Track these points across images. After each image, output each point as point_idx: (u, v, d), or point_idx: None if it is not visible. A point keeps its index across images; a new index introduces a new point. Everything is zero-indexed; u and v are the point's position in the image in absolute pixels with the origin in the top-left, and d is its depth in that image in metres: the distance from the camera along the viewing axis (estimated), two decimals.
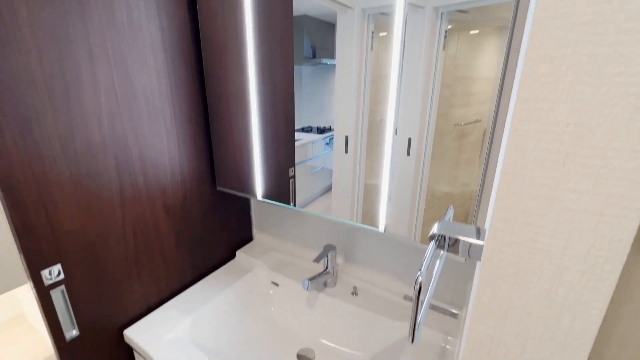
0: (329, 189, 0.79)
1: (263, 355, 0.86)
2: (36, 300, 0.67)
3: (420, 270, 0.28)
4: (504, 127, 0.55)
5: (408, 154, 0.66)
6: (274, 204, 0.92)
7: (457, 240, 0.29)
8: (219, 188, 0.99)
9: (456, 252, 0.30)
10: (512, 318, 0.24)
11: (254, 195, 0.90)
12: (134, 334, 0.80)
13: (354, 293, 0.92)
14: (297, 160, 0.82)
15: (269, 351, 0.87)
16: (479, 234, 0.30)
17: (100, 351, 0.79)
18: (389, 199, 0.70)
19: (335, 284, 0.95)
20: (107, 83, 0.69)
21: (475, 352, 0.26)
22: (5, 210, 0.60)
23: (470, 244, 0.28)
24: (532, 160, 0.22)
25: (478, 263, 0.29)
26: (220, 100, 0.87)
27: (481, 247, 0.28)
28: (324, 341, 0.89)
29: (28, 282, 1.44)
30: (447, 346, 0.75)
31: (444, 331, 0.77)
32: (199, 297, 0.93)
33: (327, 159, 0.78)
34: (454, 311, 0.82)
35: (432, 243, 0.31)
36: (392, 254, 0.89)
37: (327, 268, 0.92)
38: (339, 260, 1.00)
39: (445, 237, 0.30)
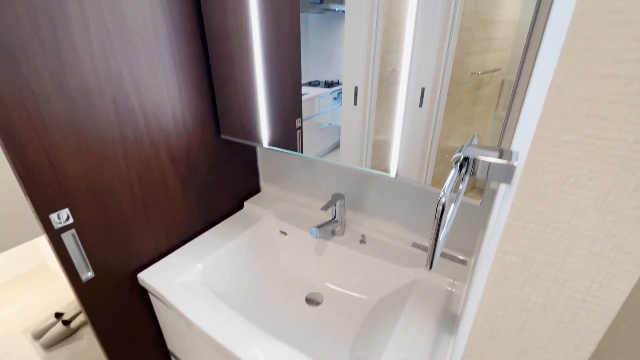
0: (337, 145, 0.76)
1: (273, 299, 0.89)
2: (49, 243, 0.68)
3: (442, 190, 0.26)
4: (529, 75, 0.50)
5: (420, 105, 0.61)
6: (281, 151, 0.89)
7: (486, 164, 0.26)
8: (223, 136, 0.96)
9: (484, 175, 0.27)
10: (553, 234, 0.21)
11: (260, 142, 0.87)
12: (147, 277, 0.83)
13: (362, 241, 0.92)
14: (304, 115, 0.78)
15: (279, 295, 0.90)
16: (507, 155, 0.26)
17: (117, 292, 0.82)
18: (401, 145, 0.66)
19: (343, 233, 0.96)
20: (96, 17, 0.63)
21: (504, 271, 0.24)
22: (5, 154, 0.59)
23: (499, 164, 0.25)
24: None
25: (504, 188, 0.26)
26: (220, 40, 0.80)
27: (510, 166, 0.25)
28: (332, 286, 0.91)
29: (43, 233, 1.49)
30: (453, 290, 0.75)
31: (451, 276, 0.77)
32: (209, 244, 0.94)
33: (335, 114, 0.74)
34: (462, 258, 0.82)
35: (455, 167, 0.28)
36: (401, 202, 0.88)
37: (335, 216, 0.92)
38: (348, 212, 1.00)
39: (469, 159, 0.27)
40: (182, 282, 0.81)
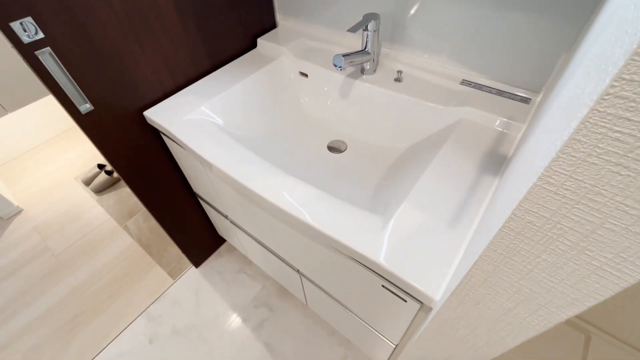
0: None
1: (291, 145, 0.81)
2: (26, 64, 0.59)
3: None
4: None
5: None
6: None
7: None
8: None
9: None
10: None
11: None
12: (153, 114, 0.75)
13: (398, 79, 0.75)
14: None
15: (297, 141, 0.82)
16: None
17: (125, 129, 0.77)
18: None
19: (375, 71, 0.78)
20: None
21: None
22: None
23: None
24: None
25: None
26: None
27: None
28: (358, 132, 0.80)
29: None
30: (507, 131, 0.61)
31: (506, 115, 0.62)
32: (219, 83, 0.82)
33: None
34: (525, 96, 0.65)
35: None
36: (462, 22, 0.65)
37: (365, 47, 0.73)
38: (383, 47, 0.79)
39: None
40: (190, 120, 0.73)
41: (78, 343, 1.10)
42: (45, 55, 0.59)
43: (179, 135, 0.70)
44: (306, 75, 0.87)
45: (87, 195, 1.60)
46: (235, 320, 1.12)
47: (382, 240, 0.48)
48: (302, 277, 0.84)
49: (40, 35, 0.57)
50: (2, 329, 1.16)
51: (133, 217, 1.47)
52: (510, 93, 0.66)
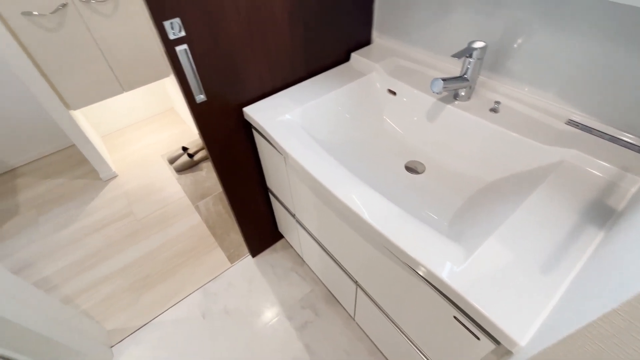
0: None
1: (369, 158, 0.83)
2: (166, 57, 0.69)
3: None
4: None
5: None
6: None
7: None
8: None
9: None
10: None
11: None
12: (251, 112, 0.83)
13: (494, 110, 0.73)
14: None
15: (376, 155, 0.83)
16: None
17: (226, 121, 0.86)
18: None
19: (469, 98, 0.77)
20: None
21: None
22: None
23: None
24: None
25: None
26: None
27: None
28: (439, 156, 0.79)
29: (171, 74, 1.64)
30: (618, 182, 0.56)
31: (619, 164, 0.57)
32: (311, 91, 0.87)
33: None
34: None
35: None
36: (577, 56, 0.62)
37: (465, 73, 0.72)
38: (482, 74, 0.78)
39: None
40: (282, 121, 0.79)
41: (145, 300, 1.24)
42: (182, 51, 0.69)
43: (272, 133, 0.76)
44: (394, 93, 0.88)
45: (169, 173, 1.79)
46: (280, 315, 1.16)
47: (464, 270, 0.47)
48: (359, 289, 0.85)
49: (183, 33, 0.67)
50: (86, 274, 1.35)
51: (204, 199, 1.61)
52: (626, 141, 0.60)
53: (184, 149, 1.83)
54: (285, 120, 0.80)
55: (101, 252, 1.42)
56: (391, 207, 0.57)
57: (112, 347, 1.12)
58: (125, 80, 1.58)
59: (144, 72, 1.61)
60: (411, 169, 0.81)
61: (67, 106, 1.49)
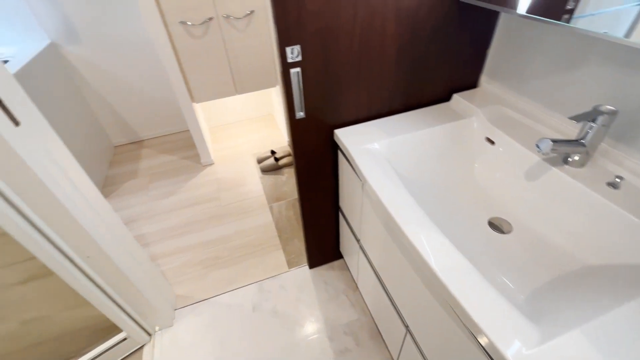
0: None
1: (450, 203, 0.79)
2: (280, 77, 0.79)
3: None
4: None
5: None
6: (540, 20, 0.64)
7: None
8: None
9: None
10: None
11: (512, 7, 0.64)
12: (341, 134, 0.88)
13: (613, 185, 0.63)
14: None
15: (458, 203, 0.79)
16: None
17: (316, 138, 0.92)
18: None
19: (583, 165, 0.68)
20: None
21: None
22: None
23: None
24: None
25: None
26: None
27: None
28: (531, 221, 0.71)
29: (277, 85, 1.84)
30: None
31: None
32: (403, 125, 0.88)
33: None
34: None
35: None
36: None
37: (583, 137, 0.65)
38: (604, 141, 0.68)
39: None
40: (368, 149, 0.82)
41: (211, 278, 1.38)
42: (295, 73, 0.77)
43: (356, 158, 0.79)
44: (492, 143, 0.83)
45: (255, 170, 1.97)
46: (322, 333, 1.16)
47: (535, 355, 0.42)
48: (408, 334, 0.81)
49: (299, 58, 0.75)
50: (172, 241, 1.56)
51: (279, 202, 1.73)
52: None
53: (272, 152, 1.99)
54: (371, 149, 0.82)
55: (188, 225, 1.64)
56: (463, 261, 0.54)
57: (175, 310, 1.27)
58: (240, 85, 1.81)
59: (256, 80, 1.82)
60: (495, 226, 0.75)
61: (192, 98, 1.78)
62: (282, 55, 0.74)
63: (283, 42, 0.72)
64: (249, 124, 2.43)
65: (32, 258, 0.81)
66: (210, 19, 1.55)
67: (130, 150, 2.24)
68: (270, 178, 1.90)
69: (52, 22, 1.74)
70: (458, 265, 0.54)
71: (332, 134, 0.93)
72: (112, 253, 0.90)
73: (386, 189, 0.70)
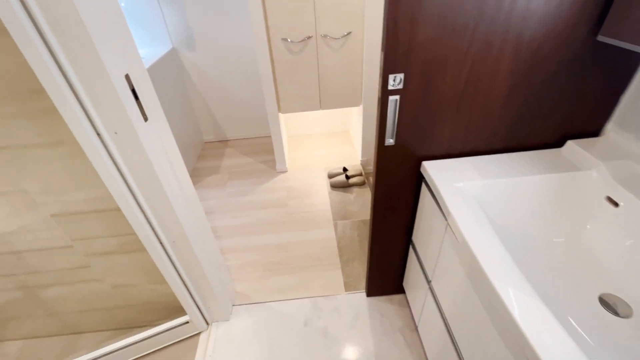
0: None
1: (550, 267, 0.69)
2: (378, 102, 0.78)
3: None
4: None
5: None
6: None
7: None
8: (600, 37, 0.67)
9: None
10: None
11: None
12: (430, 167, 0.83)
13: None
14: None
15: (560, 268, 0.68)
16: None
17: (401, 166, 0.89)
18: None
19: None
20: None
21: None
22: (385, 6, 0.65)
23: None
24: None
25: None
26: None
27: None
28: None
29: (360, 105, 1.86)
30: None
31: None
32: (502, 167, 0.80)
33: None
34: None
35: None
36: None
37: None
38: None
39: None
40: (459, 187, 0.76)
41: (269, 283, 1.42)
42: (393, 101, 0.76)
43: (445, 196, 0.73)
44: (616, 204, 0.71)
45: (324, 185, 2.00)
46: None
47: None
48: None
49: (400, 86, 0.74)
50: (240, 238, 1.65)
51: (344, 220, 1.71)
52: None
53: (345, 169, 2.00)
54: (462, 188, 0.76)
55: (255, 226, 1.72)
56: (565, 338, 0.46)
57: (233, 305, 1.33)
58: (325, 101, 1.87)
59: (341, 98, 1.86)
60: (607, 304, 0.63)
61: (279, 109, 1.89)
62: (384, 82, 0.74)
63: (388, 69, 0.72)
64: (325, 138, 2.48)
65: (133, 234, 0.92)
66: (309, 37, 1.63)
67: (216, 147, 2.46)
68: (339, 194, 1.90)
69: (176, 29, 2.02)
70: (559, 342, 0.45)
71: (419, 165, 0.89)
72: (192, 240, 0.98)
73: (476, 236, 0.63)
